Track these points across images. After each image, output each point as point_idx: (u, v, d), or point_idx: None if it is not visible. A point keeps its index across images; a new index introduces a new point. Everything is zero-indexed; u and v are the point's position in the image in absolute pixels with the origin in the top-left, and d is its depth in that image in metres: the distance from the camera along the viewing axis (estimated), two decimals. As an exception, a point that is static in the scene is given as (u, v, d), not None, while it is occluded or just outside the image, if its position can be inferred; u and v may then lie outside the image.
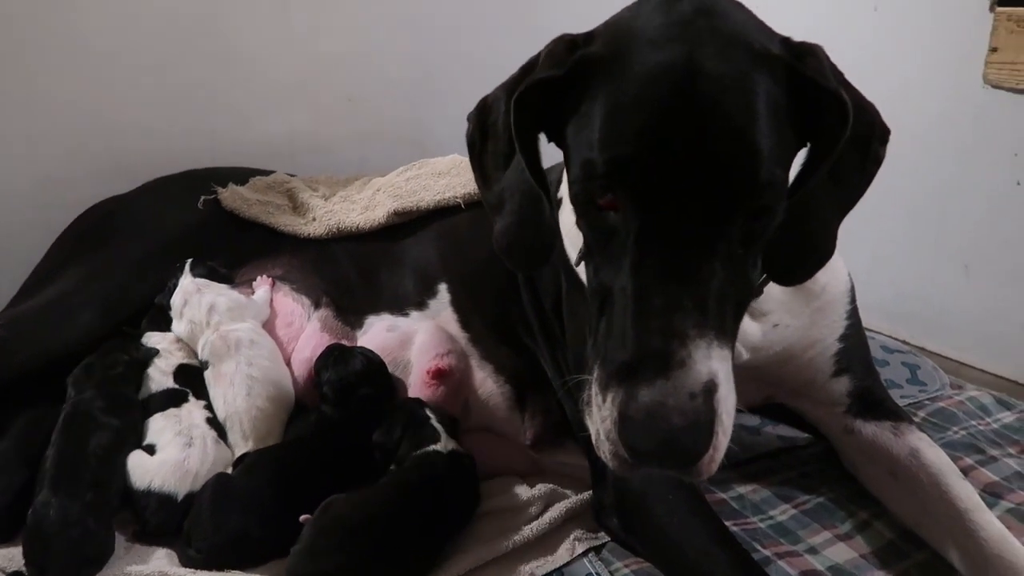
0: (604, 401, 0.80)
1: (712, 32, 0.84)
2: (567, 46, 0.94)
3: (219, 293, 1.49)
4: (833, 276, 1.24)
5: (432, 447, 1.26)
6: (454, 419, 1.38)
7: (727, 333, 0.83)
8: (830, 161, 0.88)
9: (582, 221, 0.91)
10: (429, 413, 1.32)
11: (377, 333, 1.53)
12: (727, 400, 0.79)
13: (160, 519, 1.20)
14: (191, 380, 1.41)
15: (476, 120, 1.05)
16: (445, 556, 1.17)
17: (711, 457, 0.78)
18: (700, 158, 0.78)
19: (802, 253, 0.96)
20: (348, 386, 1.36)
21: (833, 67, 0.92)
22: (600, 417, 0.81)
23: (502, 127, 0.98)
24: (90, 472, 1.18)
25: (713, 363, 0.78)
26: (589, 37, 0.93)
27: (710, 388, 0.77)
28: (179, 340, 1.48)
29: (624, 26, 0.90)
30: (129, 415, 1.32)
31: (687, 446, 0.76)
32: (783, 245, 0.91)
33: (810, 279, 1.18)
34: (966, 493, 1.11)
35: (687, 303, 0.79)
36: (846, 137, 0.86)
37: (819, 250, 0.96)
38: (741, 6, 0.93)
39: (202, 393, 1.40)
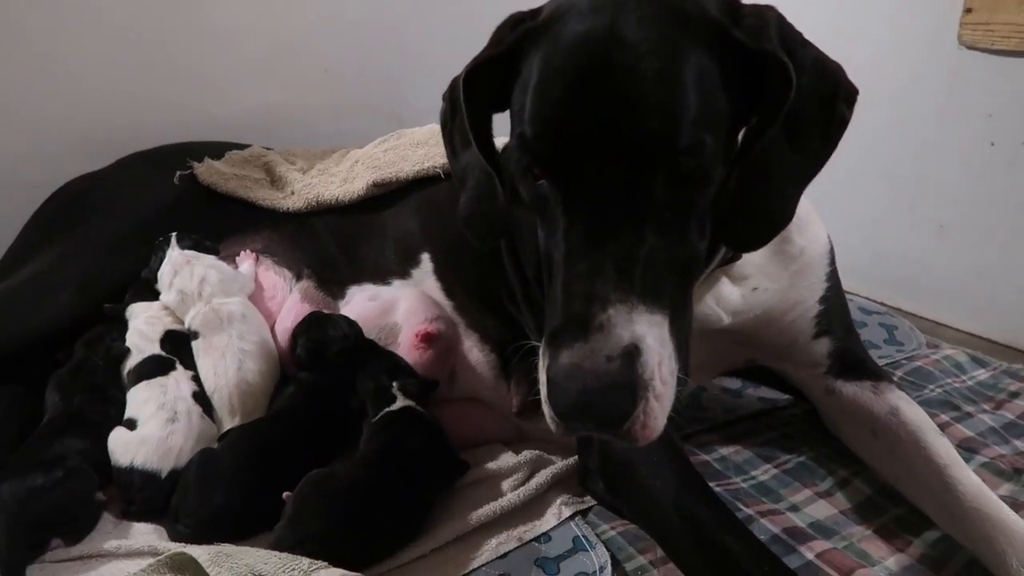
0: (543, 366, 0.83)
1: (641, 0, 0.85)
2: (511, 24, 0.98)
3: (209, 265, 1.48)
4: (812, 239, 1.25)
5: (386, 409, 1.27)
6: (431, 383, 1.38)
7: (659, 298, 0.83)
8: (777, 125, 0.87)
9: (524, 192, 0.93)
10: (393, 382, 1.31)
11: (359, 302, 1.53)
12: (660, 365, 0.80)
13: (145, 496, 1.19)
14: (178, 348, 1.40)
15: (448, 98, 1.09)
16: (433, 522, 1.18)
17: (642, 422, 0.79)
18: (615, 127, 0.80)
19: (754, 219, 0.94)
20: (320, 347, 1.37)
21: (786, 28, 0.92)
22: (542, 381, 0.83)
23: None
24: (52, 453, 1.17)
25: (636, 327, 0.79)
26: (537, 12, 0.96)
27: (631, 352, 0.78)
28: (166, 308, 1.46)
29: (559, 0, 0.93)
30: (114, 406, 1.31)
31: (602, 408, 0.78)
32: (737, 211, 0.91)
33: (789, 244, 1.21)
34: (944, 449, 1.13)
35: (609, 268, 0.81)
36: (791, 99, 0.86)
37: (775, 216, 0.95)
38: None
39: (189, 364, 1.38)
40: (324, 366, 1.37)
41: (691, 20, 0.85)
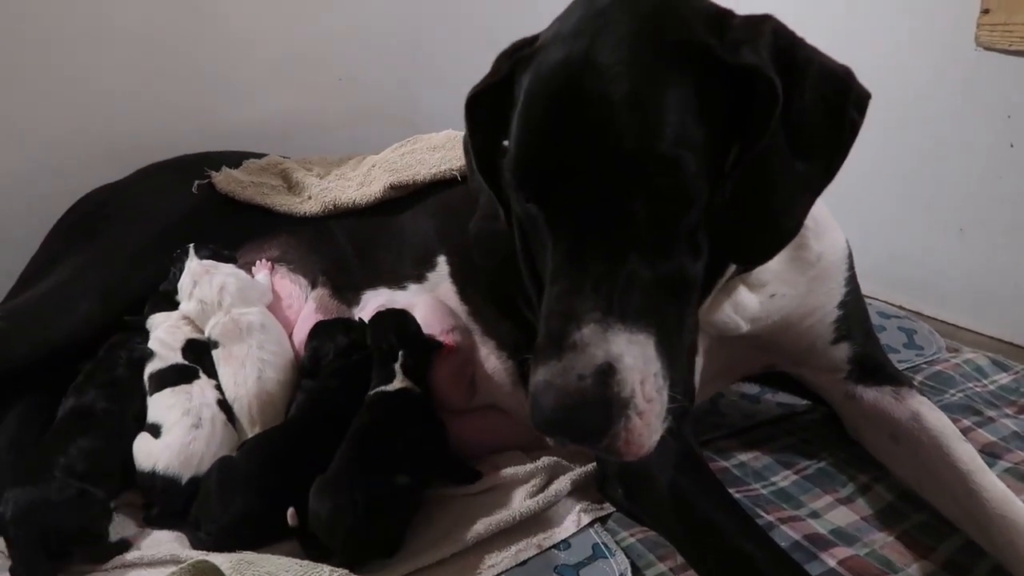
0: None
1: (619, 23, 0.86)
2: (510, 52, 1.01)
3: (228, 274, 1.48)
4: (830, 244, 1.24)
5: (381, 388, 1.28)
6: (433, 346, 1.39)
7: (641, 317, 0.83)
8: (767, 137, 0.86)
9: (518, 211, 0.96)
10: (400, 355, 1.32)
11: (374, 309, 1.52)
12: (643, 383, 0.81)
13: (166, 501, 1.21)
14: (200, 357, 1.40)
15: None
16: (452, 528, 1.18)
17: (625, 439, 0.80)
18: (589, 152, 0.82)
19: (755, 231, 0.93)
20: (318, 355, 1.39)
21: (783, 37, 0.91)
22: None
23: None
24: (63, 461, 1.17)
25: (611, 346, 0.80)
26: (536, 38, 0.98)
27: (604, 370, 0.79)
28: (186, 317, 1.47)
29: (556, 24, 0.95)
30: (130, 403, 1.32)
31: (576, 424, 0.80)
32: (736, 224, 0.90)
33: (806, 250, 1.21)
34: (968, 455, 1.12)
35: (587, 288, 0.83)
36: (779, 109, 0.85)
37: (779, 227, 0.93)
38: None
39: (211, 372, 1.39)
40: (325, 373, 1.37)
41: (670, 39, 0.86)
